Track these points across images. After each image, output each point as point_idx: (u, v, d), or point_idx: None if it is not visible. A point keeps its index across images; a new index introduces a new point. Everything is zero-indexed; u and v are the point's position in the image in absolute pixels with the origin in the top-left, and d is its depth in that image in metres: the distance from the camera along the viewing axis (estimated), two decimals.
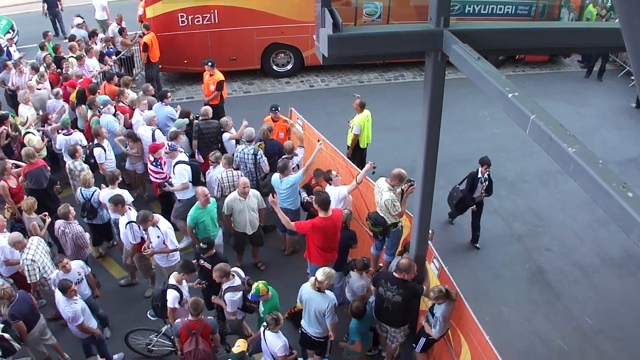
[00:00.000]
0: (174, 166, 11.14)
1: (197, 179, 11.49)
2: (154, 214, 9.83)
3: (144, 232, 9.87)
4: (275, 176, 10.84)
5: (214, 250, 9.41)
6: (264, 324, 8.19)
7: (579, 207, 13.29)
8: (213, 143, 12.57)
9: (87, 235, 10.42)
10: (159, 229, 9.70)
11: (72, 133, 12.29)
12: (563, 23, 5.37)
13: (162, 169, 11.60)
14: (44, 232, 10.22)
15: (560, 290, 11.45)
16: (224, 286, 8.78)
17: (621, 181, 3.17)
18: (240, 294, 8.77)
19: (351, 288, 9.37)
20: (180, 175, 11.02)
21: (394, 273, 8.17)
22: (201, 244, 9.28)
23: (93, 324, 9.05)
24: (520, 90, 4.26)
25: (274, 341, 8.07)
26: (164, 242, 9.76)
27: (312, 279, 8.40)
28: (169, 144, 11.33)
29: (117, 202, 9.92)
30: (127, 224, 9.88)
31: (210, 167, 11.50)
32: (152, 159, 11.60)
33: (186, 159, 11.42)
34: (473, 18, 18.29)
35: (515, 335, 10.33)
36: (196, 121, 12.74)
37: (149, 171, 11.87)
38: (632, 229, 2.99)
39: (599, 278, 11.82)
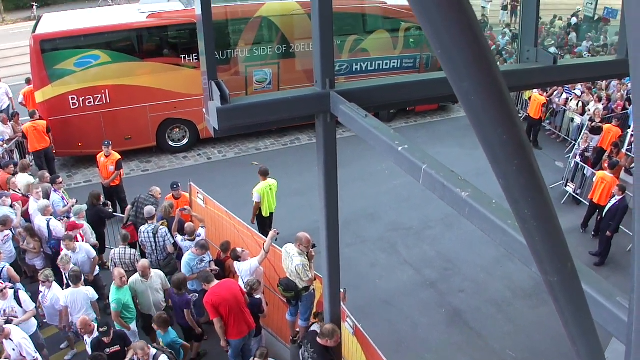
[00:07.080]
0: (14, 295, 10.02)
1: None
2: (4, 327, 8.95)
3: None
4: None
5: (112, 332, 9.06)
6: None
7: (484, 244, 13.60)
8: None
9: None
10: (12, 341, 8.92)
11: None
12: (442, 73, 5.55)
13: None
14: None
15: (479, 328, 11.64)
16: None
17: None
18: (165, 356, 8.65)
19: None
20: (28, 303, 9.97)
21: (317, 338, 8.04)
22: (99, 329, 8.92)
23: None
24: (410, 142, 4.37)
25: None
26: (20, 354, 8.96)
27: None
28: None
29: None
30: None
31: (42, 287, 10.19)
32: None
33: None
34: (362, 76, 18.69)
35: None
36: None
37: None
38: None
39: (514, 311, 12.12)
